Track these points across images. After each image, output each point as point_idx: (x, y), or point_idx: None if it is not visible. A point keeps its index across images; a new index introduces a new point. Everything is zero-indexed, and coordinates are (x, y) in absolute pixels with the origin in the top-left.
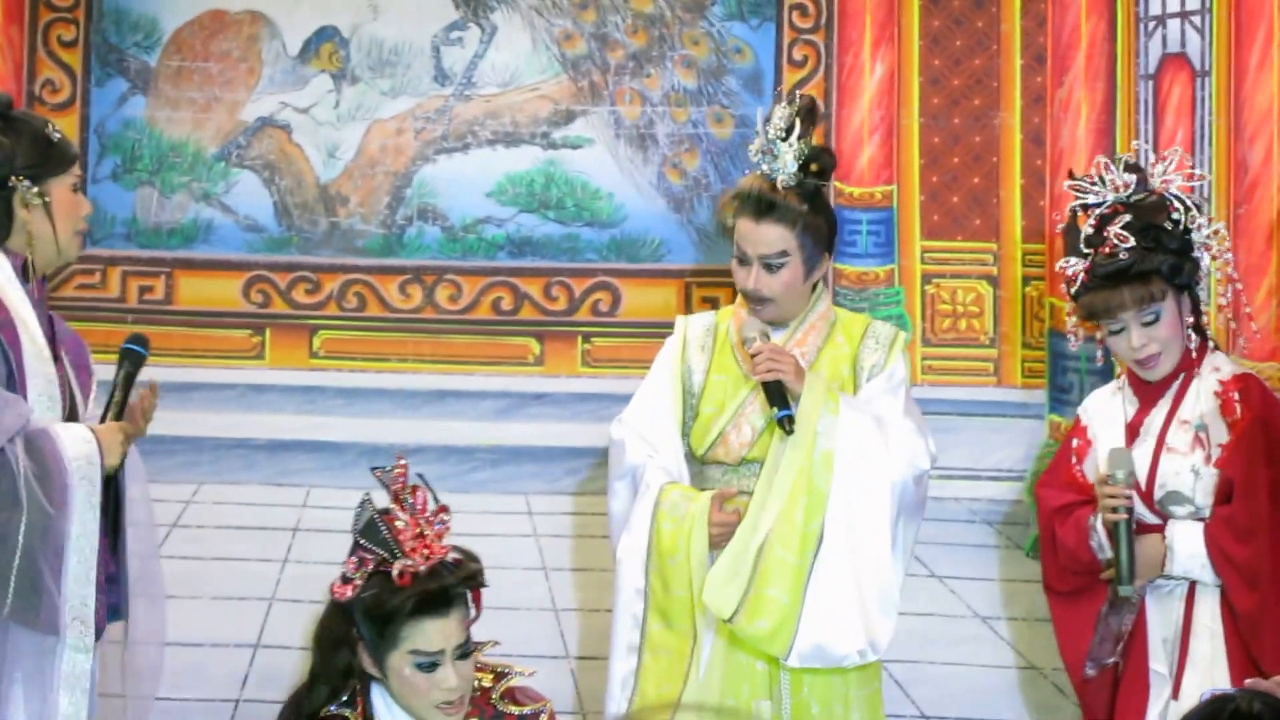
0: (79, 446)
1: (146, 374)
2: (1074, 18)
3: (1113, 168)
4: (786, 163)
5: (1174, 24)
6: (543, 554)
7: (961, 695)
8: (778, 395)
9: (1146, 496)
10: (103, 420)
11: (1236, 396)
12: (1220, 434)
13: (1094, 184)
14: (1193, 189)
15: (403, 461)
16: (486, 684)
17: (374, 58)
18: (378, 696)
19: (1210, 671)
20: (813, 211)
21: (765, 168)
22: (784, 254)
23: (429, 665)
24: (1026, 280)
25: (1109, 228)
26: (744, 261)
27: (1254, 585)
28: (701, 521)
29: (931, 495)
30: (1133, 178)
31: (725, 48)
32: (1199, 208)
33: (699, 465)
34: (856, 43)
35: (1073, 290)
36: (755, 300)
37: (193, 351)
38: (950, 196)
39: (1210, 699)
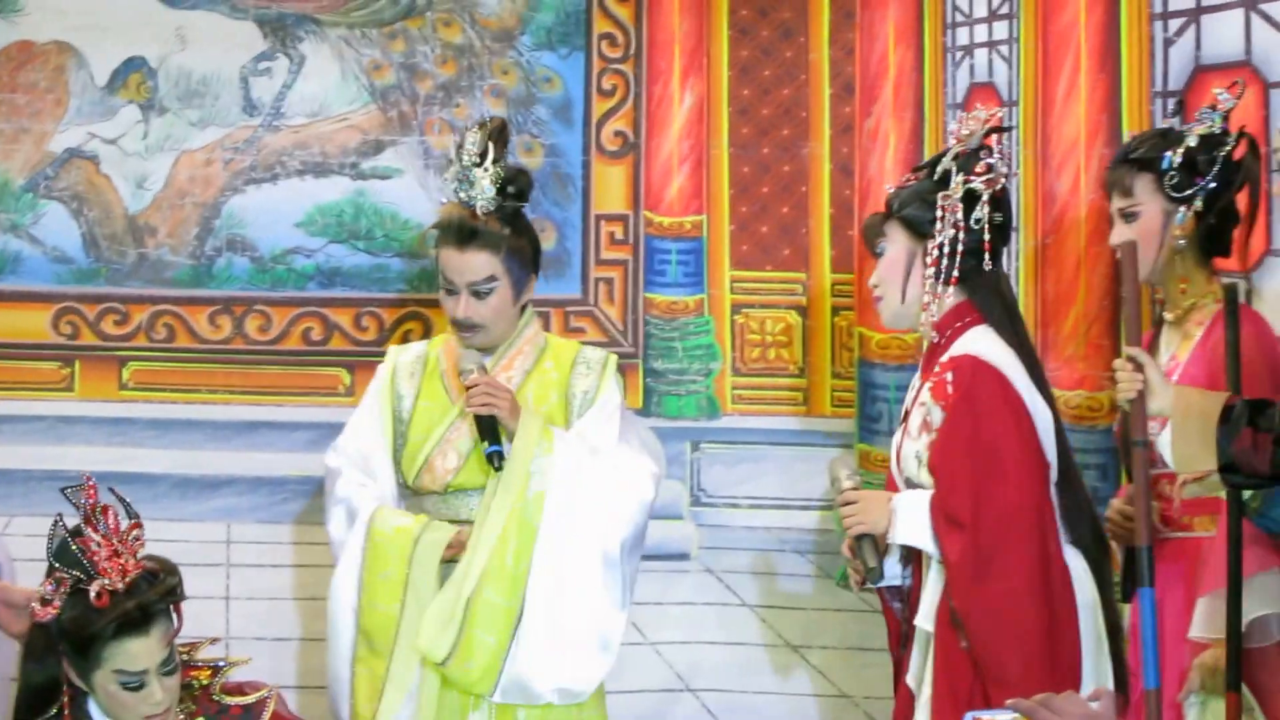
0: None
1: None
2: (882, 48)
3: (979, 116)
4: (483, 188)
5: (981, 54)
6: None
7: None
8: (489, 430)
9: (892, 483)
10: None
11: (950, 377)
12: (938, 417)
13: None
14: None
15: (91, 482)
16: (205, 680)
17: (182, 88)
18: (90, 706)
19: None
20: (515, 234)
21: (463, 195)
22: (491, 279)
23: (135, 685)
24: (836, 310)
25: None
26: (452, 291)
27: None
28: (432, 548)
29: (742, 524)
30: (980, 136)
31: (535, 77)
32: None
33: (412, 494)
34: (666, 72)
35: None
36: (466, 329)
37: (2, 384)
38: (759, 226)
39: None
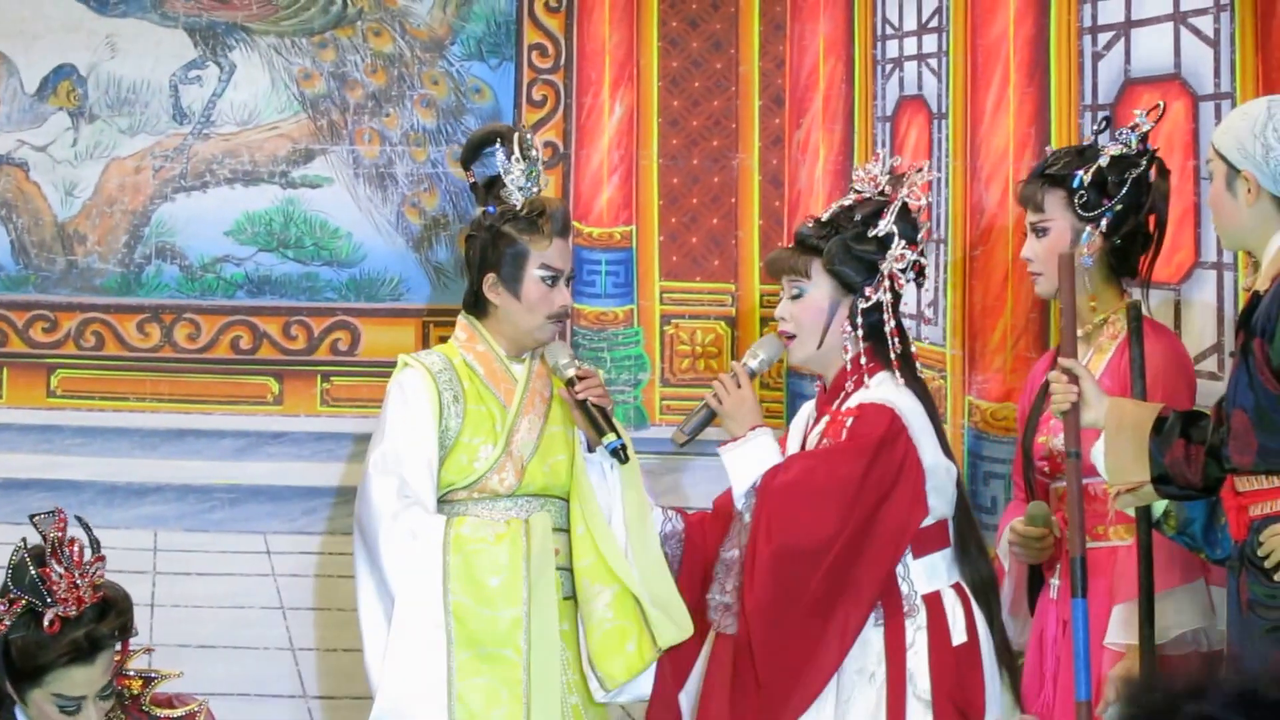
0: None
1: None
2: (812, 60)
3: (876, 169)
4: (544, 183)
5: (911, 66)
6: (280, 593)
7: None
8: (605, 422)
9: None
10: None
11: (849, 422)
12: None
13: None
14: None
15: (61, 514)
16: (135, 690)
17: (112, 95)
18: (18, 714)
19: None
20: None
21: (533, 189)
22: (572, 273)
23: (72, 709)
24: (764, 321)
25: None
26: (552, 280)
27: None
28: (546, 549)
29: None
30: (887, 182)
31: (465, 87)
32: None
33: (454, 504)
34: (596, 83)
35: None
36: (562, 318)
37: None
38: (689, 237)
39: None
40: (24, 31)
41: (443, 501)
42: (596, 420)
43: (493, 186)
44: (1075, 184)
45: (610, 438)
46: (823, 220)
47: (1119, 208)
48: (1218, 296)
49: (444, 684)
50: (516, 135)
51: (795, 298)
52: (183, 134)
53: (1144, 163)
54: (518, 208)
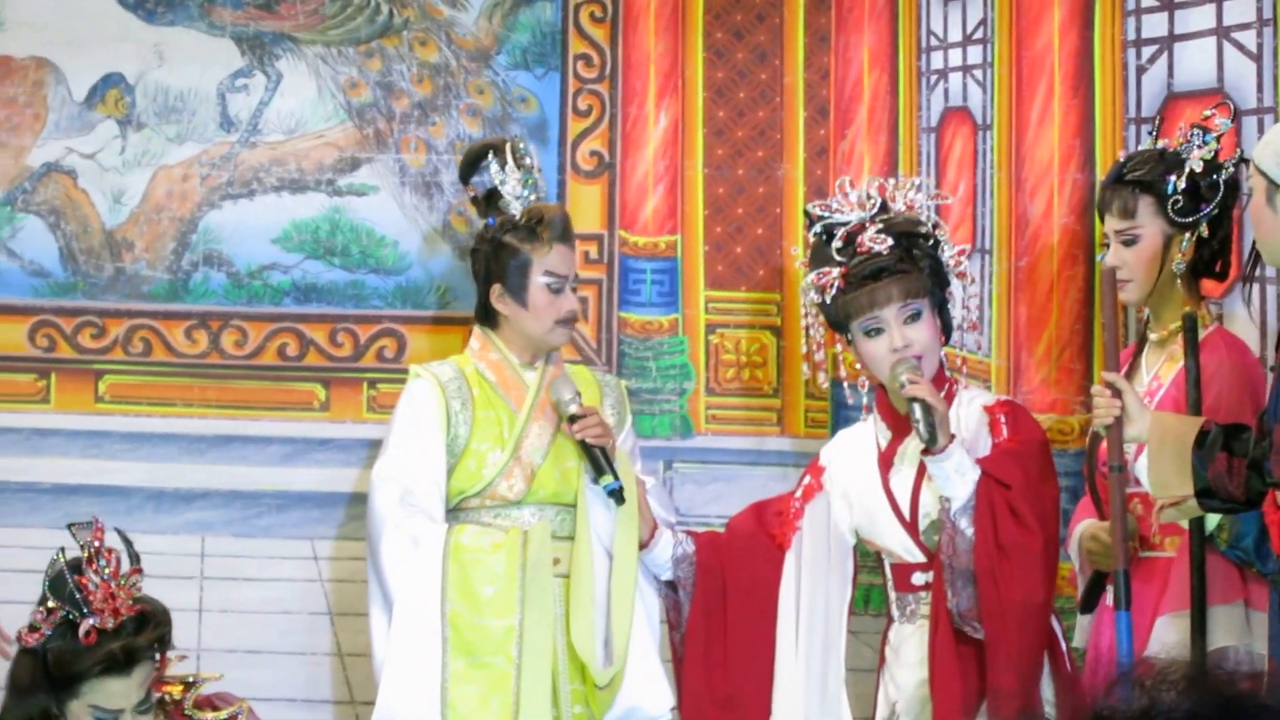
0: None
1: None
2: (857, 71)
3: (850, 189)
4: (544, 189)
5: (956, 78)
6: (328, 598)
7: None
8: (604, 463)
9: (911, 528)
10: None
11: (1003, 418)
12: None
13: (836, 206)
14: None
15: (99, 524)
16: (177, 695)
17: (160, 104)
18: None
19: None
20: None
21: (532, 197)
22: (575, 277)
23: None
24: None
25: (860, 238)
26: (557, 288)
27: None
28: (543, 561)
29: None
30: (876, 198)
31: (510, 97)
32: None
33: (457, 512)
34: (641, 93)
35: (826, 298)
36: (570, 322)
37: None
38: (734, 247)
39: None
40: (72, 40)
41: (456, 510)
42: (596, 460)
43: (492, 199)
44: (1169, 190)
45: (607, 480)
46: (892, 245)
47: (1215, 213)
48: (1260, 310)
49: (438, 690)
50: (509, 145)
51: (911, 321)
52: (230, 142)
53: (1231, 166)
54: (517, 217)
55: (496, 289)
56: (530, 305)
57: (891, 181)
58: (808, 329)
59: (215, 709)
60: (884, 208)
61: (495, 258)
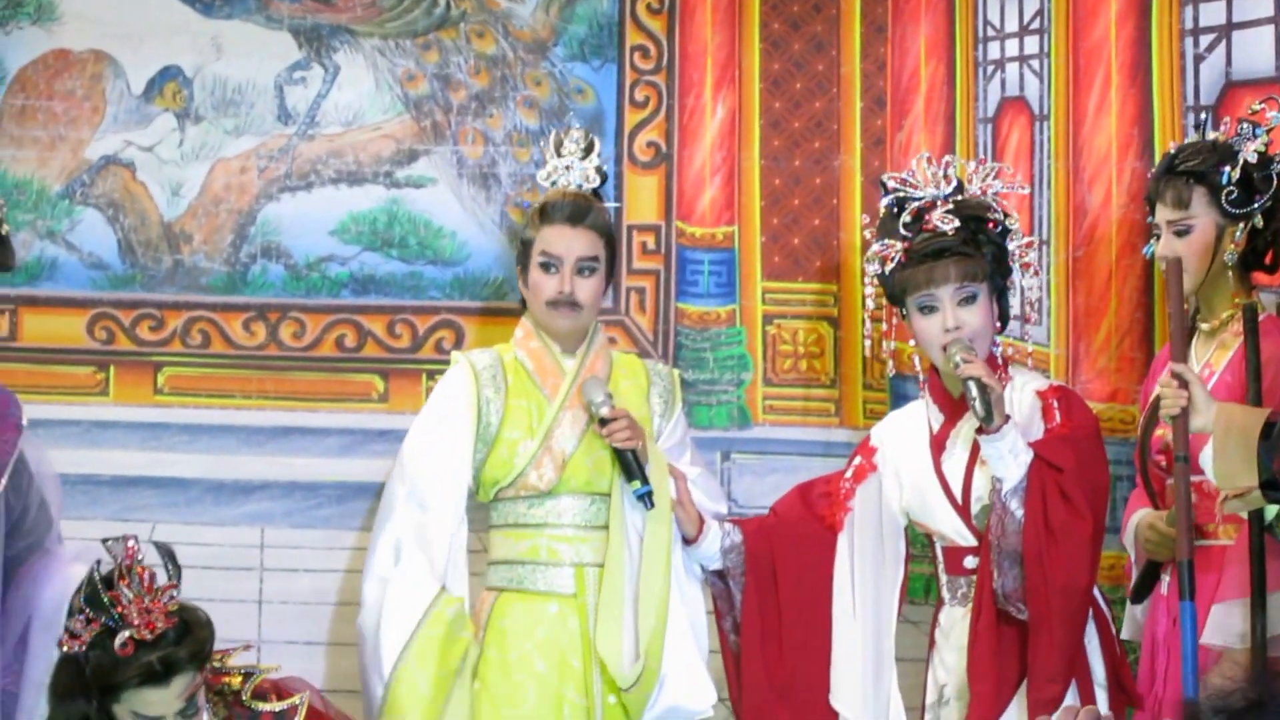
0: None
1: None
2: (913, 62)
3: (934, 164)
4: (590, 175)
5: (1013, 68)
6: None
7: None
8: (636, 467)
9: (963, 511)
10: None
11: (1056, 403)
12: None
13: (911, 181)
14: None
15: (132, 542)
16: (236, 686)
17: (217, 97)
18: None
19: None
20: (612, 228)
21: (563, 181)
22: (595, 259)
23: None
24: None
25: (928, 215)
26: (552, 269)
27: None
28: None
29: None
30: (953, 178)
31: (567, 88)
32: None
33: (496, 503)
34: (698, 84)
35: (885, 270)
36: (566, 305)
37: (37, 388)
38: (791, 238)
39: None
40: (130, 34)
41: (494, 502)
42: (627, 464)
43: None
44: (1224, 181)
45: (636, 485)
46: (958, 226)
47: (1269, 204)
48: None
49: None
50: (555, 134)
51: (966, 303)
52: (287, 134)
53: None
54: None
55: (519, 274)
56: (531, 286)
57: (971, 164)
58: (865, 299)
59: (278, 697)
60: (959, 188)
61: (520, 243)
